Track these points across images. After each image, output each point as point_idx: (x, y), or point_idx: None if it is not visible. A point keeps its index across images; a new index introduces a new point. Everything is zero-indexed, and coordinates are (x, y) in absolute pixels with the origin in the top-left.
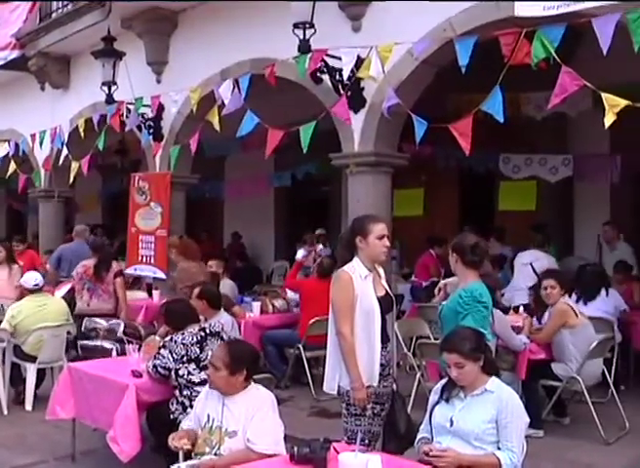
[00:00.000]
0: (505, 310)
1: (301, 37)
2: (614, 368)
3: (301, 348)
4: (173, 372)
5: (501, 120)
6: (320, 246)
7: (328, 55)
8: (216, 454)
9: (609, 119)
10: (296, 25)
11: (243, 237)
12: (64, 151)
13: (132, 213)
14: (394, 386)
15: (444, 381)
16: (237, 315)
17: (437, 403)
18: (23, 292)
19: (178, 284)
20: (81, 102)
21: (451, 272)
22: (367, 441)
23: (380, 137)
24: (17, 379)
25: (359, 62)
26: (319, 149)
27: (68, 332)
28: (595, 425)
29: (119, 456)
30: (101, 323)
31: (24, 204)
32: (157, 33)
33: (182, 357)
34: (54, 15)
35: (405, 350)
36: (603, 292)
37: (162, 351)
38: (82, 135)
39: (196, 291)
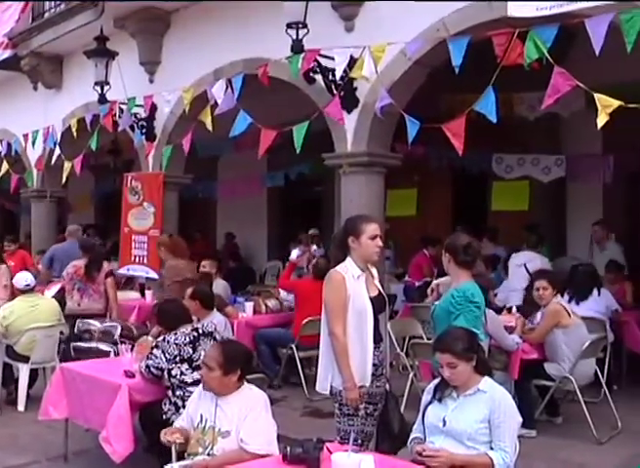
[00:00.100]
0: (498, 310)
1: (294, 37)
2: (606, 367)
3: (294, 348)
4: (165, 373)
5: (494, 120)
6: (314, 246)
7: (321, 55)
8: (209, 455)
9: (602, 120)
10: (289, 25)
11: (236, 237)
12: (57, 151)
13: (124, 213)
14: (387, 386)
15: (437, 381)
16: (230, 315)
17: (430, 403)
18: (15, 293)
19: (165, 280)
20: (74, 102)
21: (444, 272)
22: (360, 441)
23: (372, 138)
24: (9, 380)
25: (352, 62)
26: (312, 149)
27: (61, 333)
28: (588, 425)
29: (112, 457)
30: (95, 324)
31: (17, 204)
32: (150, 33)
33: (175, 357)
34: (46, 14)
35: (398, 350)
36: (595, 291)
37: (155, 351)
38: (75, 134)
39: (189, 291)
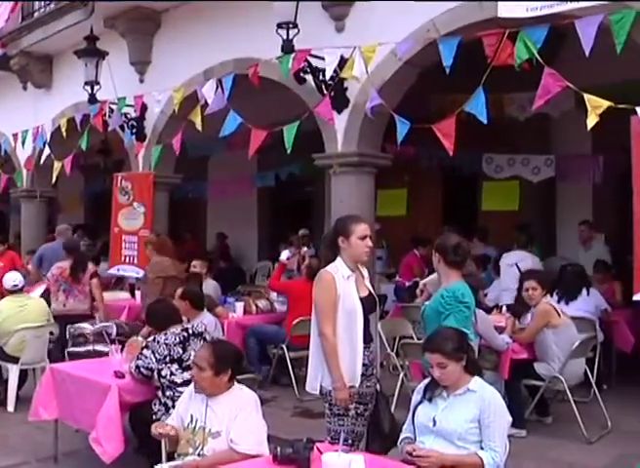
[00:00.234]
0: (489, 310)
1: (285, 37)
2: (596, 367)
3: (285, 348)
4: (155, 373)
5: (485, 121)
6: (305, 248)
7: (311, 55)
8: (199, 455)
9: (591, 120)
10: (279, 25)
11: (228, 237)
12: (46, 151)
13: (115, 213)
14: (378, 386)
15: (427, 381)
16: (220, 315)
17: (420, 402)
18: (4, 293)
19: (149, 275)
20: (63, 102)
21: (434, 272)
22: (350, 441)
23: (363, 138)
24: None
25: (342, 63)
26: (302, 150)
27: (51, 333)
28: (577, 424)
29: (102, 457)
30: (87, 327)
31: (6, 204)
32: (140, 33)
33: (165, 357)
34: (36, 14)
35: (388, 350)
36: (584, 291)
37: (145, 351)
38: (64, 134)
39: (179, 291)
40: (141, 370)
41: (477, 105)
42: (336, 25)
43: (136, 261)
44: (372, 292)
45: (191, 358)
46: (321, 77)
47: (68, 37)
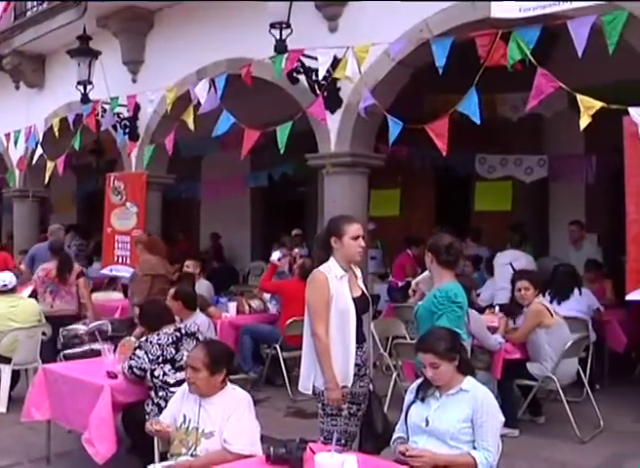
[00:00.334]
0: (481, 310)
1: (278, 37)
2: (589, 367)
3: (279, 348)
4: (148, 373)
5: (477, 121)
6: (296, 249)
7: (304, 55)
8: (192, 455)
9: (584, 121)
10: (272, 25)
11: (221, 237)
12: (39, 151)
13: (107, 213)
14: (371, 386)
15: (419, 381)
16: (213, 315)
17: (413, 402)
18: None
19: (138, 273)
20: (56, 102)
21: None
22: (343, 441)
23: (356, 138)
24: None
25: (335, 63)
26: (296, 150)
27: (43, 333)
28: (570, 424)
29: (94, 458)
30: (81, 327)
31: None
32: (133, 32)
33: (158, 357)
34: (28, 13)
35: (381, 350)
36: (576, 291)
37: (137, 352)
38: (56, 134)
39: (171, 291)
40: (134, 370)
41: (470, 106)
42: (329, 25)
43: (128, 261)
44: (365, 292)
45: (184, 358)
46: (314, 77)
47: (61, 37)
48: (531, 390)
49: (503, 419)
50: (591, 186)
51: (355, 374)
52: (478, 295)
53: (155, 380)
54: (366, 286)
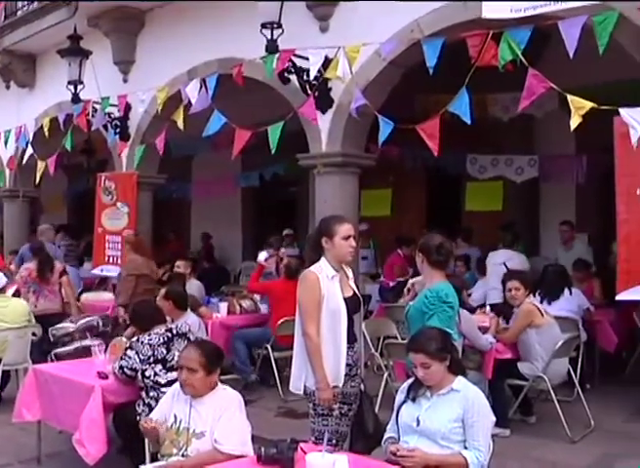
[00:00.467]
0: (473, 310)
1: (269, 37)
2: (579, 367)
3: (270, 348)
4: (139, 374)
5: (468, 121)
6: (283, 249)
7: (295, 55)
8: (183, 455)
9: (575, 121)
10: (263, 25)
11: (212, 237)
12: (29, 151)
13: (98, 213)
14: (362, 386)
15: (410, 381)
16: (204, 316)
17: (404, 402)
18: None
19: (123, 272)
20: (47, 101)
21: (419, 272)
22: (334, 441)
23: (347, 138)
24: None
25: (327, 63)
26: (287, 150)
27: (34, 334)
28: (561, 424)
29: (85, 459)
30: (70, 325)
31: None
32: (124, 32)
33: (149, 358)
34: (19, 12)
35: (372, 350)
36: (566, 291)
37: (128, 352)
38: (46, 134)
39: (162, 291)
40: (125, 370)
41: (461, 106)
42: (320, 26)
43: (119, 261)
44: (356, 292)
45: (175, 358)
46: (305, 77)
47: (52, 36)
48: (522, 390)
49: (494, 419)
50: (582, 186)
51: (346, 374)
52: (469, 295)
53: (146, 381)
54: (357, 286)
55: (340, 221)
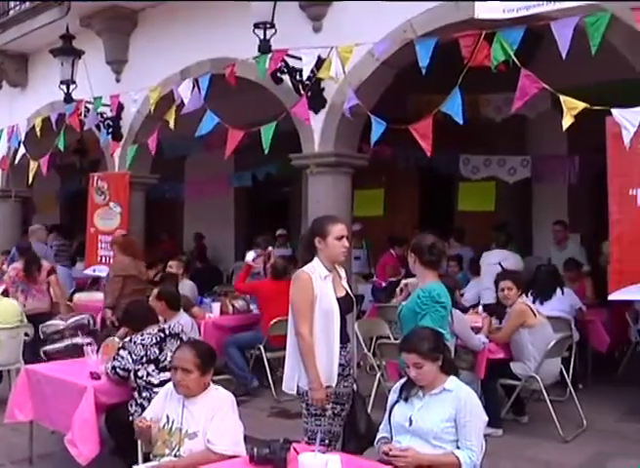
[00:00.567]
0: (465, 310)
1: (262, 37)
2: (572, 366)
3: (262, 349)
4: (132, 374)
5: (461, 121)
6: (270, 248)
7: (288, 55)
8: (175, 456)
9: (567, 121)
10: (256, 25)
11: (205, 238)
12: (22, 150)
13: (90, 213)
14: (354, 386)
15: (403, 380)
16: (197, 316)
17: (396, 402)
18: None
19: (110, 273)
20: (39, 101)
21: (411, 272)
22: (327, 441)
23: (340, 138)
24: None
25: (319, 63)
26: (280, 150)
27: (26, 334)
28: (553, 423)
29: (77, 459)
30: (60, 322)
31: None
32: (117, 32)
33: (142, 358)
34: (11, 12)
35: (365, 350)
36: (559, 291)
37: (121, 352)
38: (38, 134)
39: (155, 291)
40: (118, 370)
41: (453, 106)
42: (313, 26)
43: (112, 262)
44: (349, 292)
45: (168, 359)
46: (298, 77)
47: (44, 36)
48: (514, 390)
49: (487, 419)
50: (574, 186)
51: (339, 374)
52: (462, 295)
53: (139, 381)
54: (350, 286)
55: (333, 221)
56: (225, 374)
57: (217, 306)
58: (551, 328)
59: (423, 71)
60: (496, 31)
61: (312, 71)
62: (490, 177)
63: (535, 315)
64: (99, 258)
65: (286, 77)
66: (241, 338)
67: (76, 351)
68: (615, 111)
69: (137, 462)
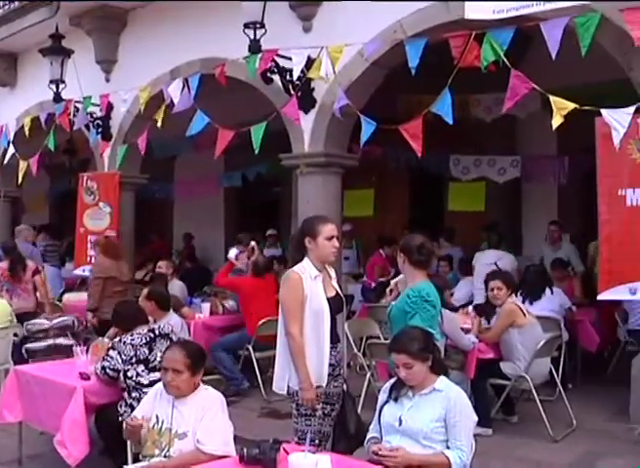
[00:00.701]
0: (455, 310)
1: (252, 37)
2: (561, 366)
3: (251, 349)
4: (121, 374)
5: (450, 122)
6: (253, 242)
7: (278, 55)
8: (165, 456)
9: (556, 121)
10: (246, 25)
11: (194, 238)
12: (11, 150)
13: (80, 213)
14: (344, 386)
15: (393, 381)
16: (186, 316)
17: (386, 402)
18: None
19: (90, 275)
20: (28, 101)
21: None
22: (317, 441)
23: (330, 138)
24: None
25: (309, 63)
26: (270, 150)
27: (15, 334)
28: (543, 423)
29: (67, 460)
30: (45, 322)
31: None
32: (106, 31)
33: (131, 358)
34: (0, 11)
35: (355, 350)
36: (548, 291)
37: (111, 352)
38: (27, 133)
39: (145, 291)
40: (107, 371)
41: (443, 106)
42: (303, 26)
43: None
44: (339, 292)
45: (158, 359)
46: (288, 77)
47: (33, 35)
48: (504, 389)
49: (477, 419)
50: (564, 187)
51: (329, 374)
52: (452, 295)
53: (128, 381)
54: (340, 286)
55: (324, 222)
56: (215, 375)
57: (206, 307)
58: (541, 327)
59: (413, 72)
60: (486, 32)
61: (302, 71)
62: (480, 178)
63: (524, 315)
64: (88, 259)
65: (276, 77)
66: (227, 341)
67: (58, 352)
68: (604, 112)
69: (126, 463)
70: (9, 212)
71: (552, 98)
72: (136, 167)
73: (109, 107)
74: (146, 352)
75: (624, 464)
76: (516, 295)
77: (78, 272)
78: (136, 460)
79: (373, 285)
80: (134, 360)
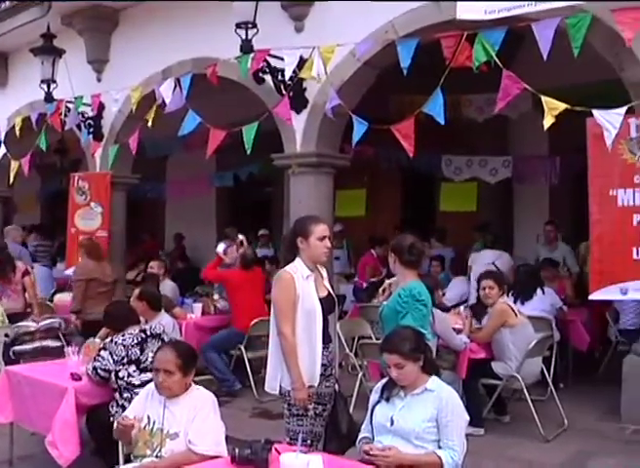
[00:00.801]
0: (447, 310)
1: (244, 37)
2: (552, 366)
3: (243, 349)
4: (113, 375)
5: (442, 122)
6: (240, 236)
7: (270, 55)
8: (157, 457)
9: (548, 121)
10: (238, 25)
11: (185, 238)
12: (2, 150)
13: (71, 213)
14: (336, 386)
15: (384, 381)
16: (178, 316)
17: (378, 402)
18: None
19: (73, 278)
20: (19, 100)
21: (392, 272)
22: (309, 441)
23: (321, 138)
24: None
25: (301, 63)
26: (262, 150)
27: (6, 335)
28: (535, 423)
29: (58, 461)
30: (32, 324)
31: None
32: (98, 31)
33: (123, 358)
34: None
35: (347, 350)
36: (539, 291)
37: (102, 353)
38: (18, 133)
39: (136, 292)
40: (99, 371)
41: (435, 107)
42: (295, 26)
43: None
44: (331, 292)
45: (149, 359)
46: (280, 77)
47: (24, 34)
48: (496, 389)
49: (468, 418)
50: (555, 187)
51: (321, 375)
52: (443, 295)
53: (120, 382)
54: (332, 286)
55: (316, 222)
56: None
57: (198, 307)
58: (532, 327)
59: (405, 72)
60: (477, 32)
61: (294, 71)
62: (471, 178)
63: (516, 315)
64: (79, 259)
65: (268, 77)
66: (217, 340)
67: (45, 354)
68: (596, 112)
69: (118, 463)
70: (0, 212)
71: (544, 99)
72: (127, 167)
73: (101, 107)
74: (138, 352)
75: (616, 463)
76: (507, 296)
77: (69, 272)
78: (127, 461)
79: (364, 285)
80: (125, 360)
